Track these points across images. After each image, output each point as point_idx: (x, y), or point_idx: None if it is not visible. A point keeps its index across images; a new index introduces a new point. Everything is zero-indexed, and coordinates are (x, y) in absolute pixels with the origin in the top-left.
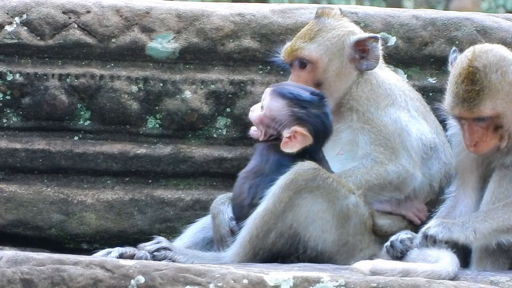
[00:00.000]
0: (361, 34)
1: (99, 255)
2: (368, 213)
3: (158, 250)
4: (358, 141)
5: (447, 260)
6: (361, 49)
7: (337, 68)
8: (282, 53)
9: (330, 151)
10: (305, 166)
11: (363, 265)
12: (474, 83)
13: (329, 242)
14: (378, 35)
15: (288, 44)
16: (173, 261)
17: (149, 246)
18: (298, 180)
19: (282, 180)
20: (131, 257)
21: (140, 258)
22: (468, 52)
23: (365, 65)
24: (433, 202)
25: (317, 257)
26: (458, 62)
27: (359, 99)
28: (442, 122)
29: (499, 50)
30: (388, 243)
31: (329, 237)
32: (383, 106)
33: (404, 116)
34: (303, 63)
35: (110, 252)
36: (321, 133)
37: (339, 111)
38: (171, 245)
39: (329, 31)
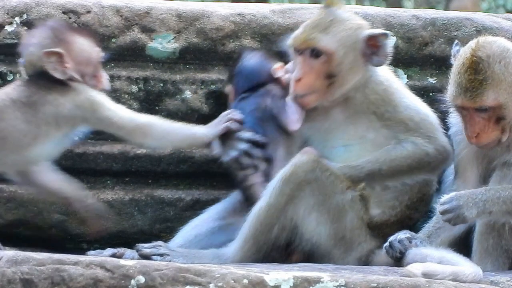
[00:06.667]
0: (373, 29)
1: (91, 254)
2: (365, 208)
3: (155, 255)
4: (382, 135)
5: (470, 263)
6: (372, 44)
7: (350, 61)
8: (293, 40)
9: (329, 141)
10: (305, 158)
11: (416, 268)
12: (477, 73)
13: (324, 235)
14: (389, 32)
15: (300, 32)
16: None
17: (147, 249)
18: (298, 172)
19: (282, 173)
20: (120, 257)
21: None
22: (472, 43)
23: (375, 60)
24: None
25: (312, 251)
26: (461, 53)
27: (375, 101)
28: (443, 121)
29: (503, 41)
30: (387, 244)
31: (325, 230)
32: (399, 102)
33: (418, 101)
34: (316, 53)
35: (102, 252)
36: None
37: (346, 105)
38: (169, 249)
39: (343, 23)
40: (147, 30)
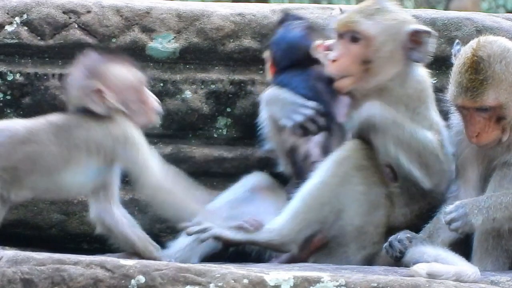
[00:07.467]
0: (418, 25)
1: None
2: (393, 208)
3: (201, 230)
4: None
5: (466, 262)
6: (415, 40)
7: (389, 51)
8: (336, 23)
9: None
10: (359, 144)
11: (421, 268)
12: (478, 73)
13: (354, 225)
14: (434, 32)
15: (343, 15)
16: (219, 236)
17: (194, 228)
18: (351, 157)
19: (336, 155)
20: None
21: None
22: (473, 42)
23: (415, 56)
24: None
25: (334, 238)
26: (462, 52)
27: (411, 95)
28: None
29: (504, 41)
30: (387, 244)
31: (357, 220)
32: (431, 106)
33: (437, 116)
34: (356, 37)
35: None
36: None
37: (381, 98)
38: (211, 223)
39: (388, 13)
40: (147, 30)
